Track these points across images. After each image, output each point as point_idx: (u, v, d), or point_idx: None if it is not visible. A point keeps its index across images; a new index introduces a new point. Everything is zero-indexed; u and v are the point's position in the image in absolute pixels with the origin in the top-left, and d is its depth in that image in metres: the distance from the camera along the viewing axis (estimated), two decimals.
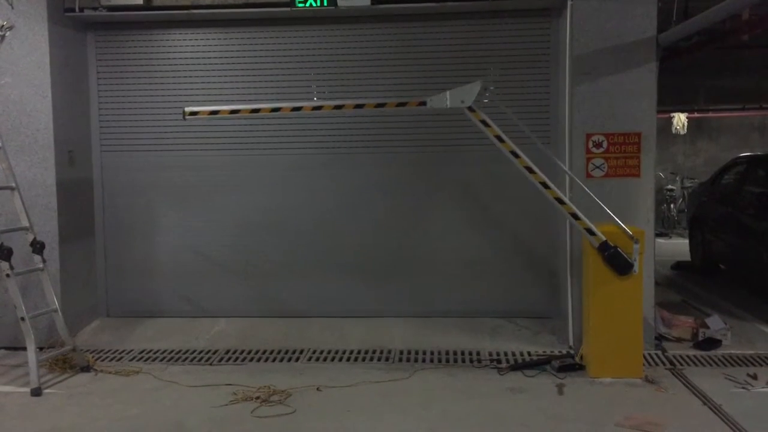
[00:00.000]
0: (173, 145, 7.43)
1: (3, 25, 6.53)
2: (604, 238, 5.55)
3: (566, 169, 6.16)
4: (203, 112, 5.94)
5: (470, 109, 5.60)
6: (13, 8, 6.58)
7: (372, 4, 6.58)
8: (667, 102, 11.57)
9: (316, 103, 5.89)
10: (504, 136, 5.64)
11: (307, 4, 6.62)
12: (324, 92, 7.30)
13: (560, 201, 5.64)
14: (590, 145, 6.30)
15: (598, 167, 6.30)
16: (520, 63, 7.10)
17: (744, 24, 7.48)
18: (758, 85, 11.69)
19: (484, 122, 5.64)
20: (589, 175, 6.33)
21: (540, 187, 5.65)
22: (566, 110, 6.44)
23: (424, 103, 5.65)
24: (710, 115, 16.09)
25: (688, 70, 10.66)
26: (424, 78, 7.15)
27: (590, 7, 6.22)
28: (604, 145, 6.28)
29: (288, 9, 6.72)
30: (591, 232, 5.58)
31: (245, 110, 6.00)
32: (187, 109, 5.92)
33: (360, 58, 7.22)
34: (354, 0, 6.56)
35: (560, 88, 6.69)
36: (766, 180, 8.52)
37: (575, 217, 5.63)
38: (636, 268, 5.57)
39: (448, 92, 5.58)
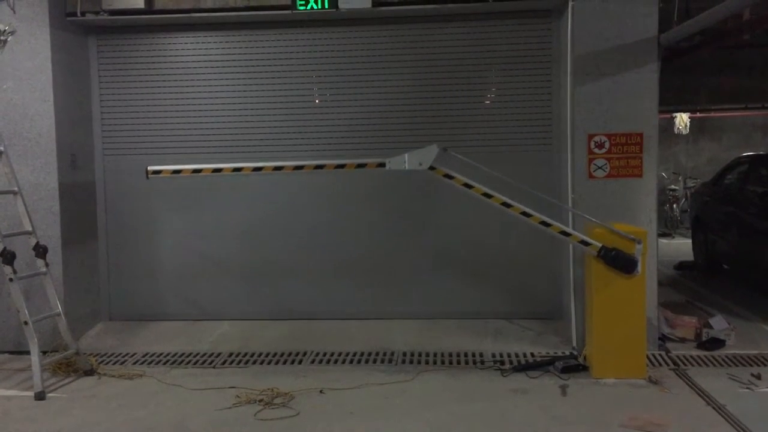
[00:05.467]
0: (175, 149, 7.44)
1: (5, 30, 6.55)
2: (599, 245, 5.53)
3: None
4: (165, 172, 5.85)
5: (431, 168, 5.57)
6: (15, 13, 6.60)
7: (373, 6, 6.58)
8: (669, 102, 11.54)
9: (276, 164, 5.87)
10: (472, 182, 5.60)
11: (308, 7, 6.62)
12: (326, 94, 7.31)
13: (546, 224, 5.61)
14: (592, 145, 6.29)
15: (600, 168, 6.30)
16: (522, 64, 7.10)
17: (745, 23, 7.48)
18: (760, 85, 11.66)
19: (447, 176, 5.61)
20: (591, 176, 6.32)
21: (523, 218, 5.60)
22: (568, 111, 6.44)
23: (383, 165, 5.62)
24: (712, 114, 16.08)
25: (689, 69, 10.65)
26: (425, 80, 7.17)
27: (591, 8, 6.22)
28: (606, 145, 6.27)
29: (289, 12, 6.72)
30: (586, 243, 5.57)
31: (207, 170, 5.87)
32: (150, 168, 5.84)
33: (361, 60, 7.22)
34: (355, 2, 6.56)
35: (562, 88, 6.68)
36: None
37: (566, 234, 5.62)
38: (639, 267, 5.57)
39: (406, 155, 5.54)
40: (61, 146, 6.81)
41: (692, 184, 15.34)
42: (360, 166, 5.77)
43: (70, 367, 6.11)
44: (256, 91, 7.34)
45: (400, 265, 7.34)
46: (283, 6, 6.72)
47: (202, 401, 5.35)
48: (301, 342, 6.79)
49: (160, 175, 5.86)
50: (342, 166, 5.80)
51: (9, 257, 5.70)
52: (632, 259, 5.53)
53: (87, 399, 5.48)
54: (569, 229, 5.64)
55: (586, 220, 5.86)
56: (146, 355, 6.60)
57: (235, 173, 5.83)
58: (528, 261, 7.22)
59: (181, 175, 5.90)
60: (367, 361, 6.29)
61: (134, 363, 6.39)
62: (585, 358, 5.93)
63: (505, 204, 5.61)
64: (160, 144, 7.45)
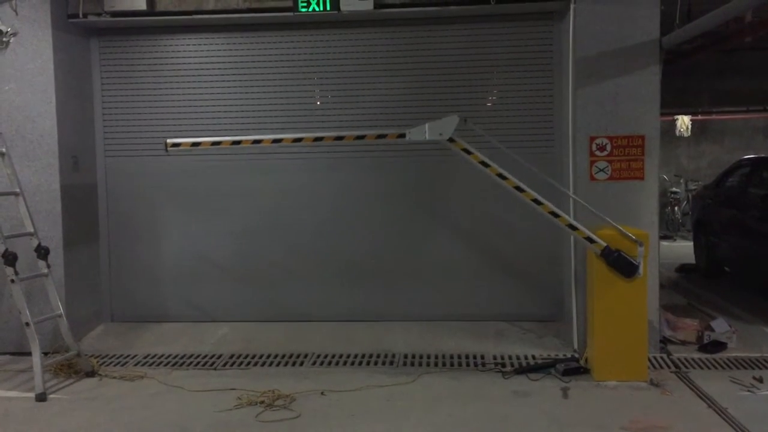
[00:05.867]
0: (177, 150, 7.41)
1: (7, 32, 6.58)
2: (604, 244, 5.54)
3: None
4: (185, 144, 5.95)
5: (450, 140, 5.60)
6: (17, 14, 6.61)
7: (375, 8, 6.59)
8: (671, 104, 11.53)
9: (295, 135, 5.94)
10: (488, 161, 5.63)
11: (310, 9, 6.63)
12: (327, 96, 7.32)
13: (555, 215, 5.62)
14: (594, 148, 6.29)
15: (602, 170, 6.30)
16: (523, 66, 7.10)
17: (747, 26, 7.48)
18: (762, 87, 11.66)
19: (466, 150, 5.63)
20: (593, 178, 6.32)
21: (533, 205, 5.63)
22: (569, 113, 6.44)
23: (403, 135, 5.65)
24: (714, 117, 16.05)
25: (691, 72, 10.66)
26: (427, 81, 7.17)
27: (593, 11, 6.22)
28: (608, 148, 6.27)
29: (291, 13, 6.72)
30: (591, 241, 5.57)
31: (226, 142, 5.97)
32: (169, 141, 5.95)
33: (363, 62, 7.23)
34: (357, 4, 6.57)
35: (563, 91, 6.68)
36: None
37: (573, 228, 5.62)
38: (641, 270, 5.57)
39: (426, 125, 5.59)
40: (63, 148, 6.82)
41: (694, 187, 15.33)
42: (380, 136, 5.82)
43: (72, 368, 6.11)
44: (258, 92, 7.34)
45: (401, 267, 7.34)
46: (285, 8, 6.73)
47: (204, 403, 5.35)
48: (302, 344, 6.79)
49: (179, 148, 5.94)
50: (362, 137, 5.85)
51: (11, 258, 5.71)
52: (633, 263, 5.53)
53: (88, 400, 5.48)
54: (577, 223, 5.63)
55: (591, 219, 5.85)
56: (147, 356, 6.61)
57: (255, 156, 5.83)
58: (529, 263, 7.22)
59: (199, 148, 6.00)
60: (368, 363, 6.28)
61: (135, 364, 6.39)
62: (586, 360, 5.93)
63: (518, 188, 5.62)
64: (162, 145, 7.41)
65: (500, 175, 5.63)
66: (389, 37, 7.19)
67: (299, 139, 5.94)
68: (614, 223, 5.61)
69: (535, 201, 5.62)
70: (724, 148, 16.80)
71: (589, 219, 5.88)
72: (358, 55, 7.24)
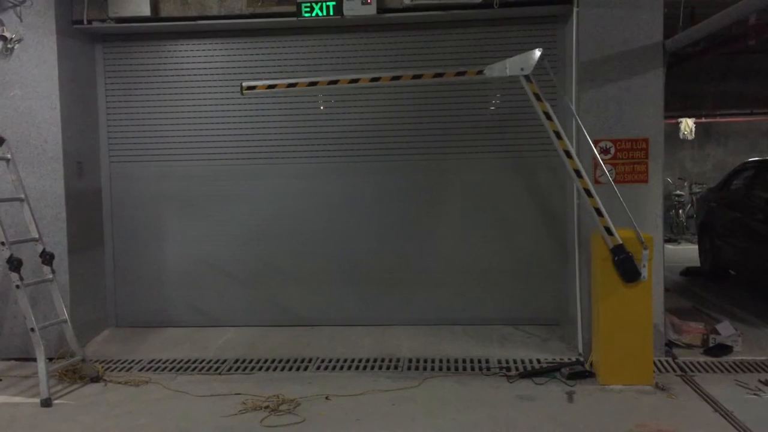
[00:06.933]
0: (181, 155, 7.46)
1: (12, 38, 6.61)
2: (620, 242, 5.53)
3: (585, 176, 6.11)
4: (260, 87, 5.92)
5: (527, 78, 5.60)
6: (21, 21, 6.64)
7: (378, 13, 6.60)
8: (675, 107, 11.56)
9: (372, 75, 5.89)
10: (552, 114, 5.65)
11: (314, 14, 6.64)
12: (330, 101, 7.33)
13: (589, 193, 5.63)
14: (598, 151, 6.28)
15: (606, 173, 6.28)
16: None
17: (750, 29, 7.45)
18: (766, 90, 11.64)
19: (537, 95, 5.64)
20: (597, 181, 6.30)
21: (573, 175, 5.66)
22: (573, 117, 6.43)
23: (481, 72, 5.66)
24: (718, 120, 16.05)
25: (695, 75, 10.64)
26: (430, 86, 7.15)
27: (596, 14, 6.22)
28: (612, 151, 6.27)
29: (294, 19, 6.74)
30: (610, 232, 5.57)
31: (302, 83, 5.95)
32: (244, 84, 5.91)
33: (366, 67, 7.23)
34: (360, 9, 6.58)
35: (567, 94, 6.67)
36: None
37: (599, 213, 5.61)
38: (645, 274, 5.56)
39: (507, 61, 5.61)
40: (68, 153, 6.83)
41: (698, 190, 15.31)
42: (459, 74, 5.79)
43: (77, 373, 6.12)
44: (262, 97, 7.34)
45: (405, 271, 7.34)
46: (289, 13, 6.75)
47: (208, 408, 5.35)
48: (306, 348, 6.79)
49: (255, 91, 5.93)
50: (440, 75, 5.79)
51: (16, 264, 5.72)
52: (636, 270, 5.53)
53: (93, 406, 5.49)
54: (603, 209, 5.61)
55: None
56: (152, 361, 6.61)
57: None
58: (534, 267, 7.21)
59: (275, 89, 5.99)
60: (372, 368, 6.28)
61: (140, 370, 6.40)
62: (591, 364, 5.92)
63: (567, 152, 5.65)
64: (166, 151, 7.48)
65: (556, 133, 5.65)
66: (392, 42, 7.20)
67: (377, 79, 5.88)
68: (634, 225, 5.60)
69: (577, 172, 5.65)
70: (728, 150, 16.79)
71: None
72: (362, 60, 7.25)
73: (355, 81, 5.91)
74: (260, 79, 7.22)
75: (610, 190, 5.80)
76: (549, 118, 5.65)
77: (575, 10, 6.27)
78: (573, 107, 6.39)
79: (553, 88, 7.02)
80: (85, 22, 6.89)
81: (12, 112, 6.72)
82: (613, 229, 5.56)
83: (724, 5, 5.38)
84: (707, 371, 5.98)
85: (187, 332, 7.35)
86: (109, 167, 7.52)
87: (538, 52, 5.54)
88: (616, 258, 5.56)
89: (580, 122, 5.90)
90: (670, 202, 15.46)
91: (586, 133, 5.82)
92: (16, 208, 6.29)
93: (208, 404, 5.44)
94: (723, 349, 6.35)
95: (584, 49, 6.29)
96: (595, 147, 6.27)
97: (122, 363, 6.60)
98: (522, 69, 5.58)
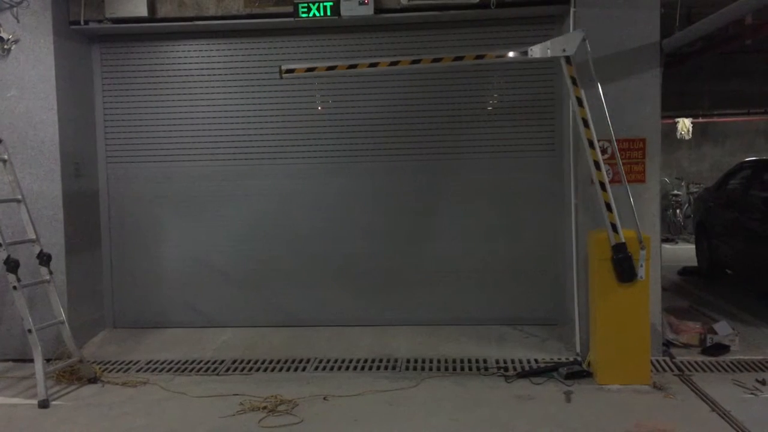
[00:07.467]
0: (178, 156, 7.46)
1: (8, 39, 6.60)
2: (623, 240, 5.54)
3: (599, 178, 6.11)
4: (299, 70, 5.88)
5: (567, 60, 5.62)
6: (18, 22, 6.63)
7: (375, 13, 6.60)
8: (672, 107, 11.57)
9: (413, 57, 5.91)
10: (584, 101, 5.67)
11: (311, 14, 6.65)
12: (328, 101, 7.32)
13: (603, 187, 5.66)
14: None
15: (603, 173, 6.29)
16: (524, 70, 7.11)
17: (747, 29, 7.47)
18: (763, 90, 11.66)
19: (573, 79, 5.66)
20: (594, 181, 6.30)
21: (593, 167, 5.68)
22: (570, 117, 6.44)
23: (525, 53, 5.68)
24: (715, 119, 16.08)
25: (692, 75, 10.66)
26: (427, 86, 7.17)
27: (593, 14, 6.23)
28: (609, 151, 6.26)
29: (291, 19, 6.74)
30: (615, 229, 5.58)
31: (342, 66, 5.94)
32: (284, 67, 5.87)
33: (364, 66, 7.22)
34: (357, 10, 6.58)
35: (565, 95, 6.68)
36: None
37: (609, 208, 5.62)
38: (642, 274, 5.56)
39: (549, 41, 5.64)
40: (65, 154, 6.83)
41: (695, 190, 15.33)
42: (499, 56, 5.82)
43: (74, 374, 6.10)
44: (259, 98, 7.35)
45: (403, 272, 7.34)
46: (286, 13, 6.75)
47: (206, 409, 5.35)
48: (304, 349, 6.79)
49: (293, 74, 5.86)
50: (482, 57, 5.80)
51: (13, 265, 5.71)
52: (633, 271, 5.54)
53: (91, 407, 5.48)
54: (613, 205, 5.62)
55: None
56: (150, 362, 6.60)
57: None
58: (531, 267, 7.21)
59: (315, 72, 5.95)
60: (370, 368, 6.28)
61: (138, 370, 6.39)
62: (589, 364, 5.92)
63: (590, 141, 5.68)
64: (163, 151, 7.47)
65: (584, 120, 5.67)
66: (389, 42, 7.19)
67: (417, 61, 5.88)
68: (637, 225, 5.60)
69: (596, 164, 5.67)
70: (725, 150, 16.81)
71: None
72: (359, 61, 7.22)
73: (395, 63, 5.91)
74: (260, 79, 7.31)
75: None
76: (581, 104, 5.68)
77: (572, 10, 6.28)
78: (570, 108, 6.38)
79: (551, 88, 7.05)
80: (82, 22, 6.88)
81: (9, 113, 6.71)
82: (619, 227, 5.57)
83: (721, 5, 5.40)
84: (705, 371, 5.99)
85: (185, 333, 7.35)
86: (106, 168, 7.51)
87: (581, 34, 5.58)
88: (616, 256, 5.56)
89: (608, 116, 5.85)
90: (667, 201, 15.48)
91: (611, 129, 5.79)
92: (13, 209, 6.28)
93: (206, 405, 5.43)
94: (720, 349, 6.36)
95: (581, 49, 6.27)
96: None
97: (120, 364, 6.59)
98: (564, 50, 5.61)
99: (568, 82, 5.68)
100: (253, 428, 4.94)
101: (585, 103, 5.66)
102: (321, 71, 5.98)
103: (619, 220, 5.60)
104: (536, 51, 5.66)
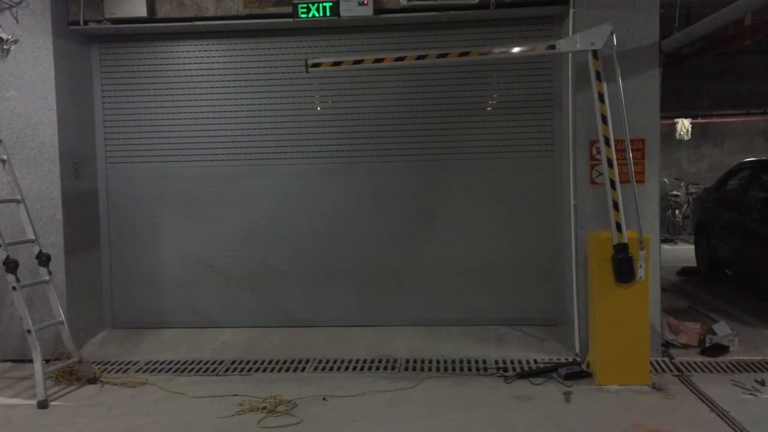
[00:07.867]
0: (178, 156, 7.45)
1: (8, 39, 6.60)
2: (626, 241, 5.54)
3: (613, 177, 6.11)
4: (326, 64, 5.92)
5: (594, 55, 5.63)
6: (18, 22, 6.63)
7: (374, 14, 6.60)
8: (671, 108, 11.55)
9: (439, 52, 5.97)
10: (606, 97, 5.69)
11: (310, 15, 6.65)
12: (327, 101, 7.32)
13: (613, 185, 5.68)
14: (594, 151, 6.29)
15: (602, 174, 6.28)
16: (523, 70, 7.11)
17: (746, 29, 7.49)
18: (762, 90, 11.67)
19: (598, 74, 5.66)
20: (593, 182, 6.32)
21: (605, 164, 5.72)
22: (570, 117, 6.44)
23: (553, 47, 5.70)
24: (714, 120, 16.07)
25: (691, 75, 10.66)
26: (426, 87, 7.17)
27: (592, 15, 6.22)
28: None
29: (291, 19, 6.74)
30: (619, 229, 5.59)
31: (368, 60, 5.96)
32: (310, 61, 5.89)
33: (363, 68, 7.18)
34: (357, 10, 6.58)
35: (563, 95, 6.69)
36: None
37: (616, 207, 5.64)
38: (641, 274, 5.57)
39: (578, 35, 5.66)
40: (64, 154, 6.82)
41: (694, 190, 15.33)
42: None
43: (73, 375, 6.11)
44: (258, 98, 7.35)
45: (402, 272, 7.34)
46: (285, 14, 6.74)
47: (205, 409, 5.35)
48: (303, 349, 6.79)
49: (320, 68, 5.91)
50: (506, 52, 5.86)
51: (12, 266, 5.71)
52: (632, 272, 5.55)
53: (90, 407, 5.48)
54: (621, 204, 5.64)
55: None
56: (149, 363, 6.60)
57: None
58: (530, 267, 7.21)
59: (341, 66, 5.96)
60: (369, 369, 6.28)
61: (137, 371, 6.39)
62: (588, 364, 5.93)
63: (606, 138, 5.70)
64: (162, 152, 7.46)
65: (603, 116, 5.69)
66: (389, 43, 7.19)
67: (444, 55, 5.91)
68: (639, 226, 5.60)
69: (609, 162, 5.71)
70: (724, 151, 16.81)
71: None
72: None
73: (422, 57, 5.91)
74: (259, 79, 7.31)
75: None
76: (602, 100, 5.69)
77: (571, 11, 6.28)
78: (570, 108, 6.39)
79: (550, 89, 7.04)
80: (81, 23, 6.88)
81: (8, 114, 6.70)
82: (624, 227, 5.57)
83: (720, 6, 5.40)
84: (704, 371, 5.99)
85: (185, 333, 7.34)
86: (106, 168, 7.51)
87: (609, 27, 5.59)
88: (617, 256, 5.56)
89: (625, 114, 5.82)
90: (666, 202, 15.48)
91: (626, 127, 5.79)
92: (12, 209, 6.28)
93: (205, 405, 5.43)
94: (719, 349, 6.37)
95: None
96: (592, 148, 6.29)
97: (119, 364, 6.59)
98: (592, 44, 5.62)
99: (593, 76, 5.68)
100: (252, 428, 4.94)
101: (606, 99, 5.67)
102: (348, 65, 5.97)
103: (624, 221, 5.60)
104: (564, 45, 5.70)
